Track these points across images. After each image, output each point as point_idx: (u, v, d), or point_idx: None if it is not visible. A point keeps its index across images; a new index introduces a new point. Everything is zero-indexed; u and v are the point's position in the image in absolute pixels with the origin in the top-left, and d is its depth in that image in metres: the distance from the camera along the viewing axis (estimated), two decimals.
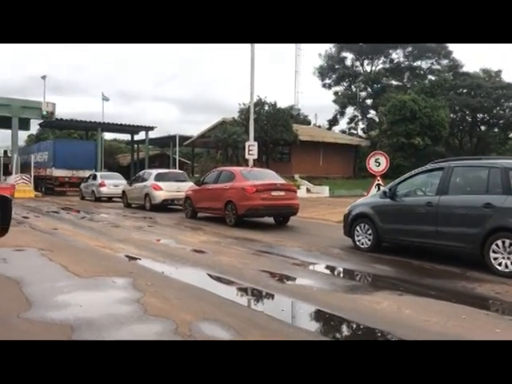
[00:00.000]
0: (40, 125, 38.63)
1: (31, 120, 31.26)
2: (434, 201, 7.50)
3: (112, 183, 22.10)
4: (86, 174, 26.10)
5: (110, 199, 22.24)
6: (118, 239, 9.65)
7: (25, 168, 28.69)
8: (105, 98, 39.10)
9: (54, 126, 40.77)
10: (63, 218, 14.11)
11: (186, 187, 15.57)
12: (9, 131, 29.19)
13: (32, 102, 29.22)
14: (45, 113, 28.58)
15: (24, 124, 30.11)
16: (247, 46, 23.63)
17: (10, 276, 5.93)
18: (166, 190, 16.31)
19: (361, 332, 4.44)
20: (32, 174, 27.45)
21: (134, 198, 17.86)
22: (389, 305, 5.07)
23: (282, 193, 12.25)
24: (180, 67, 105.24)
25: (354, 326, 4.55)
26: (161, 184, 16.47)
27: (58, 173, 27.86)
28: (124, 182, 22.10)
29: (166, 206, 16.55)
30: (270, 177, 13.28)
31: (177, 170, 20.50)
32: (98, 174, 24.26)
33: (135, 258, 7.59)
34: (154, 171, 18.23)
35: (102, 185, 22.12)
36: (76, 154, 27.52)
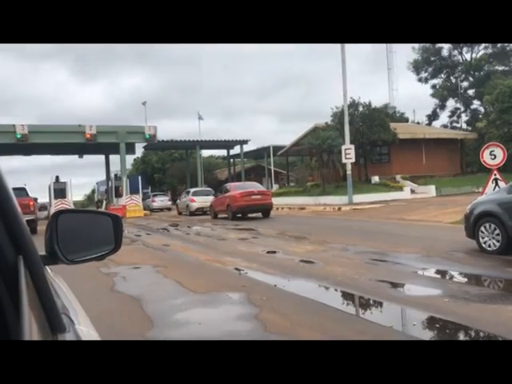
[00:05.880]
0: (144, 148, 41.24)
1: (136, 144, 33.44)
2: None
3: (160, 199, 35.53)
4: (138, 196, 34.79)
5: (161, 210, 33.82)
6: (226, 252, 9.68)
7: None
8: (200, 118, 40.79)
9: (157, 148, 43.35)
10: (172, 234, 14.67)
11: (211, 199, 22.81)
12: (117, 156, 31.50)
13: (135, 127, 31.25)
14: (147, 136, 30.42)
15: (130, 148, 32.28)
16: (338, 51, 23.18)
17: (131, 294, 6.11)
18: (198, 202, 24.47)
19: None
20: (140, 195, 29.35)
21: (181, 207, 26.49)
22: None
23: (259, 196, 18.91)
24: (276, 81, 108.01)
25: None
26: (195, 198, 24.82)
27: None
28: (167, 198, 36.58)
29: (197, 213, 23.99)
30: (253, 187, 20.13)
31: (206, 188, 29.38)
32: (151, 194, 37.17)
33: (245, 271, 7.49)
34: (192, 190, 26.90)
35: (153, 201, 34.79)
36: (129, 183, 32.04)
